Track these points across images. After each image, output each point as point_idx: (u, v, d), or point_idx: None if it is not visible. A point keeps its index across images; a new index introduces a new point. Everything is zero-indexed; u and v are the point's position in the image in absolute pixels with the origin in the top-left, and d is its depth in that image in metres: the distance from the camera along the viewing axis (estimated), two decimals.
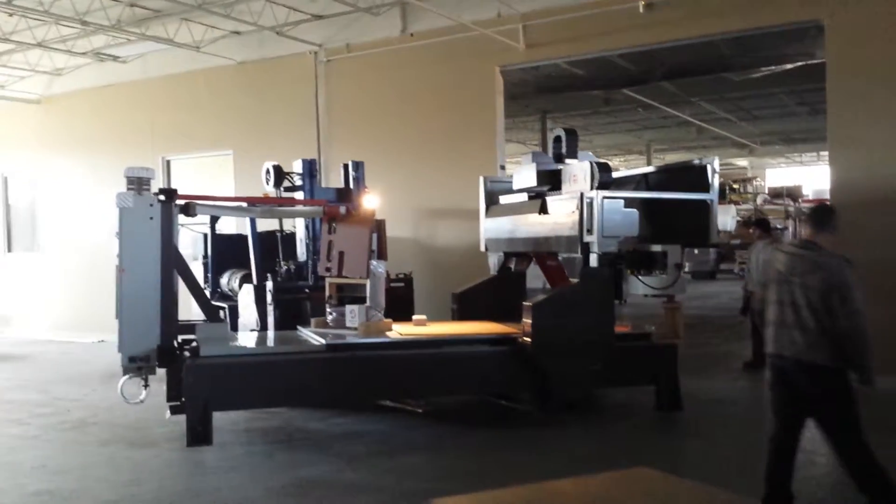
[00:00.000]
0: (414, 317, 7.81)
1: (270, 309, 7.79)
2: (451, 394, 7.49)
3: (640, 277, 7.18)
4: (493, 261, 8.52)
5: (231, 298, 8.47)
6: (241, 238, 8.45)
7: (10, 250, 15.39)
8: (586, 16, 9.78)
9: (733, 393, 8.35)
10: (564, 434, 6.61)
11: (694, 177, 7.20)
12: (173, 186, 7.04)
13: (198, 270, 8.90)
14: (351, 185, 8.42)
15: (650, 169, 8.24)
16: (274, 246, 8.40)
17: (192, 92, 12.91)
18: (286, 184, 8.40)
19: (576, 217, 6.68)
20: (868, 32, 8.52)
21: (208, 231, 9.03)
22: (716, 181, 7.03)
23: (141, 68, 13.23)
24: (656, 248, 7.03)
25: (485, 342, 7.10)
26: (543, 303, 6.82)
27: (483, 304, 8.04)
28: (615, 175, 8.05)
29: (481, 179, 8.71)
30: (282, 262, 8.19)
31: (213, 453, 6.16)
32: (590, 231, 6.59)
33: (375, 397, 7.29)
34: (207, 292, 8.67)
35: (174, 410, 6.52)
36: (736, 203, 27.60)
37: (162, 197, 6.61)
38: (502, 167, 10.77)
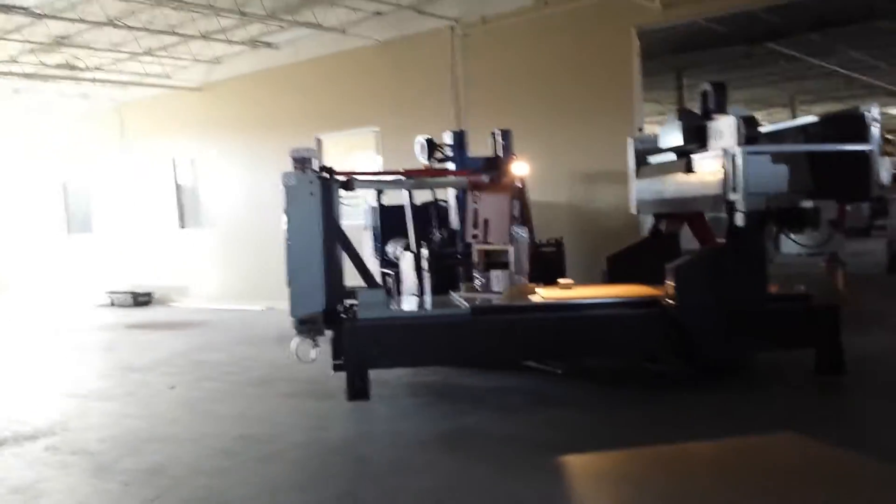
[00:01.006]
0: (560, 280, 7.99)
1: (426, 275, 8.31)
2: (594, 356, 7.52)
3: (791, 236, 6.97)
4: (647, 222, 8.45)
5: (396, 265, 8.99)
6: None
7: (182, 227, 16.95)
8: None
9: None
10: (713, 397, 6.48)
11: (851, 126, 6.82)
12: (328, 163, 7.64)
13: (368, 240, 9.54)
14: (499, 153, 8.66)
15: (807, 120, 7.84)
16: (431, 216, 8.86)
17: (338, 73, 13.63)
18: (438, 155, 8.85)
19: (721, 175, 6.58)
20: None
21: (376, 202, 9.52)
22: (875, 130, 6.67)
23: (292, 53, 14.06)
24: (808, 204, 6.68)
25: (627, 305, 7.07)
26: (686, 264, 6.81)
27: (636, 266, 7.90)
28: (772, 128, 7.79)
29: (630, 140, 8.62)
30: (435, 231, 8.68)
31: (384, 403, 6.79)
32: (735, 189, 6.47)
33: (517, 358, 7.49)
34: (378, 260, 9.27)
35: (336, 368, 7.04)
36: (892, 154, 25.68)
37: (323, 174, 7.13)
38: (640, 129, 10.75)
